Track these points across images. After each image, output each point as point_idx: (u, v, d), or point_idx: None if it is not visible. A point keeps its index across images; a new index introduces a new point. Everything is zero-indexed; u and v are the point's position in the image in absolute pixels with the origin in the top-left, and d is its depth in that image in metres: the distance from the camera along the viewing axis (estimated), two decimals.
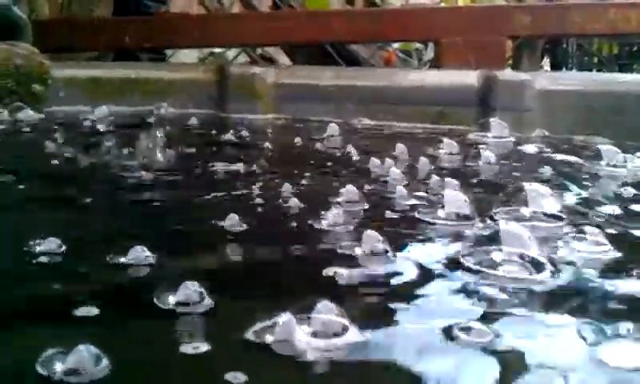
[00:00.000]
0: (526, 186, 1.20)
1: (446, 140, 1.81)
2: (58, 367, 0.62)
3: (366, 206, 1.23)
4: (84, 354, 0.62)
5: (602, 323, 0.76)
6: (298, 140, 1.91)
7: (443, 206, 1.16)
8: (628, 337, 0.73)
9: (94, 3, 3.89)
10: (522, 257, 0.93)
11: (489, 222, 1.12)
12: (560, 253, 0.99)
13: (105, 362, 0.63)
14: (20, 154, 1.84)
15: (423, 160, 1.54)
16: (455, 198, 1.17)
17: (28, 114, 2.28)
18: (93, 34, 3.39)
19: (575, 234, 1.05)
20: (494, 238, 1.00)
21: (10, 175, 1.47)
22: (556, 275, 0.90)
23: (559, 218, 1.14)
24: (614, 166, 1.62)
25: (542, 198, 1.18)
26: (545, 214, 1.15)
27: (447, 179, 1.34)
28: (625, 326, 0.75)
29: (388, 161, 1.53)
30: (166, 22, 3.44)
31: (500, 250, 0.94)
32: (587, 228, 1.05)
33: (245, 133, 2.05)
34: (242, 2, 4.12)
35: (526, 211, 1.15)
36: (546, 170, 1.55)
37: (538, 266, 0.92)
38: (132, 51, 3.50)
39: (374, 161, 1.54)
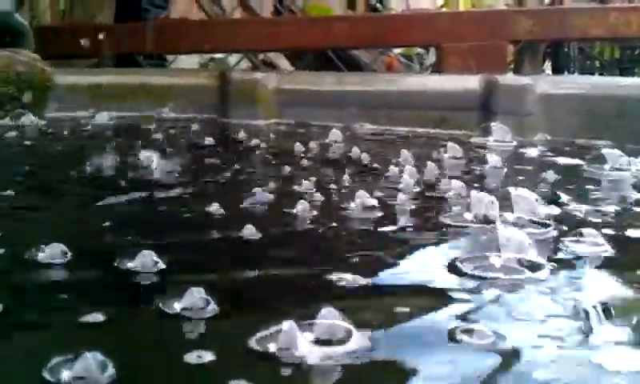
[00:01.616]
0: (512, 191, 1.19)
1: (449, 144, 1.82)
2: (65, 374, 0.62)
3: (375, 213, 1.23)
4: (90, 362, 0.62)
5: (601, 326, 0.76)
6: (299, 145, 1.91)
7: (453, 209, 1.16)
8: (627, 341, 0.73)
9: (96, 9, 3.90)
10: (520, 261, 0.93)
11: (486, 226, 1.12)
12: (557, 255, 0.99)
13: (110, 369, 0.63)
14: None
15: (430, 165, 1.55)
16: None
17: (30, 120, 2.29)
18: (94, 40, 3.39)
19: (574, 235, 1.05)
20: (491, 242, 0.99)
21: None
22: (554, 277, 0.90)
23: (544, 225, 1.13)
24: (618, 169, 1.62)
25: (527, 203, 1.17)
26: (531, 221, 1.14)
27: (453, 182, 1.35)
28: (624, 330, 0.75)
29: (393, 168, 1.53)
30: (166, 28, 3.45)
31: (498, 255, 0.94)
32: (585, 230, 1.05)
33: (247, 137, 2.06)
34: (243, 8, 4.12)
35: (510, 216, 1.14)
36: (549, 174, 1.55)
37: (535, 269, 0.92)
38: (133, 57, 3.51)
39: (381, 166, 1.54)
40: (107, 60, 3.38)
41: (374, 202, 1.24)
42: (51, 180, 1.61)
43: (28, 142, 2.12)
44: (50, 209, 1.37)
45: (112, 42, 3.38)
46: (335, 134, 2.06)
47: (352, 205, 1.24)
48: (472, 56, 3.03)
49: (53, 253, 0.95)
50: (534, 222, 1.13)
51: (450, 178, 1.44)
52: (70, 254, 0.95)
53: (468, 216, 1.16)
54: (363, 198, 1.24)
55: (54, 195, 1.48)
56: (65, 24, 3.87)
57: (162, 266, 0.92)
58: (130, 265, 0.92)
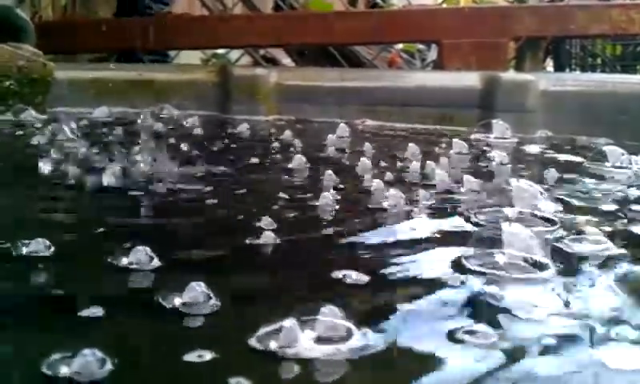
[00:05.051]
0: (512, 182, 1.17)
1: (455, 140, 1.82)
2: (63, 371, 0.62)
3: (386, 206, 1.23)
4: (89, 359, 0.62)
5: (605, 324, 0.76)
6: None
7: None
8: (630, 339, 0.73)
9: (98, 5, 3.90)
10: (524, 259, 0.93)
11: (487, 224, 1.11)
12: (559, 253, 0.98)
13: (109, 365, 0.63)
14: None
15: (442, 161, 1.55)
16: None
17: (31, 115, 2.29)
18: (96, 35, 3.39)
19: (574, 233, 1.04)
20: (495, 240, 0.99)
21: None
22: (558, 276, 0.90)
23: (550, 221, 1.12)
24: (620, 167, 1.62)
25: (529, 196, 1.15)
26: (534, 215, 1.12)
27: (466, 177, 1.35)
28: (627, 328, 0.75)
29: (399, 163, 1.54)
30: (168, 24, 3.44)
31: (503, 253, 0.94)
32: (587, 228, 1.04)
33: (251, 133, 2.06)
34: (245, 4, 4.12)
35: (509, 211, 1.12)
36: (551, 171, 1.54)
37: (540, 267, 0.91)
38: (135, 53, 3.51)
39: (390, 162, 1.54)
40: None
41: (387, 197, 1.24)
42: None
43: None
44: None
45: (114, 39, 3.38)
46: (342, 129, 2.06)
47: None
48: (473, 53, 3.02)
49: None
50: (541, 219, 1.12)
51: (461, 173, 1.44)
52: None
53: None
54: (377, 192, 1.24)
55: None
56: (66, 19, 3.87)
57: (157, 262, 0.91)
58: (125, 260, 0.91)
